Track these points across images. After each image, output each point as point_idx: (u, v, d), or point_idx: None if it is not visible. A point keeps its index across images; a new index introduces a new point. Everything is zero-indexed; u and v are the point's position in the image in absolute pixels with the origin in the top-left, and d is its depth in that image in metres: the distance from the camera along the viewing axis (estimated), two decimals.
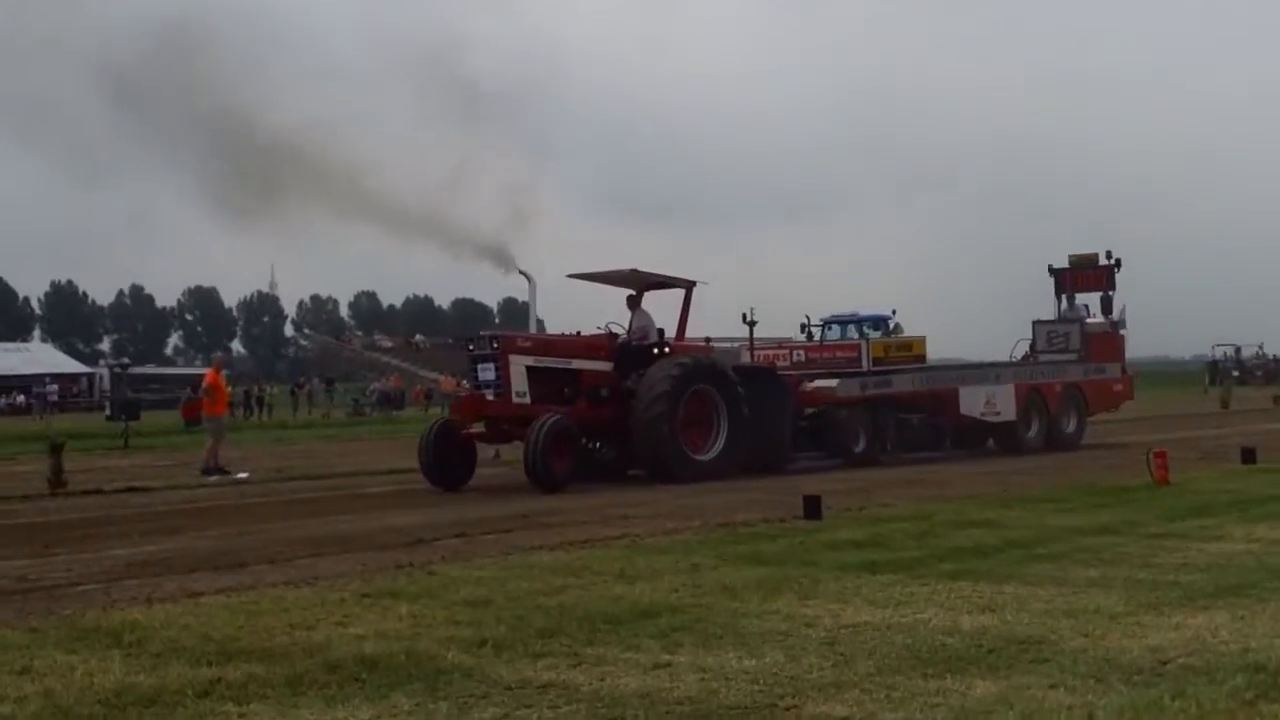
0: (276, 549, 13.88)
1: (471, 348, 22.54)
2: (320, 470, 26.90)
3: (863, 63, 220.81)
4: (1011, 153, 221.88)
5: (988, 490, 18.90)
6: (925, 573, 11.07)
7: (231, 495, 21.51)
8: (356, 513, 17.97)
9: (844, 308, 34.77)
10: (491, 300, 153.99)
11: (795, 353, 28.57)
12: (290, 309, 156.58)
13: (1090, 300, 32.29)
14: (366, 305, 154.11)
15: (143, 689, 7.44)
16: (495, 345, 21.96)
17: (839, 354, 28.31)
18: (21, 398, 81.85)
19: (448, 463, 21.78)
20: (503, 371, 21.62)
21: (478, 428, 22.31)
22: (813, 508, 15.19)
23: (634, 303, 24.11)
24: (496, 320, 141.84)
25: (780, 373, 25.80)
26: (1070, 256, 32.53)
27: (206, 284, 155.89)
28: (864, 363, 27.21)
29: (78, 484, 22.76)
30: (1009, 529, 14.11)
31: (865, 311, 34.95)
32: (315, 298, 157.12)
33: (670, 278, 24.36)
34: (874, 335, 31.50)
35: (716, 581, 10.73)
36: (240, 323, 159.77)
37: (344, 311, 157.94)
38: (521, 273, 24.74)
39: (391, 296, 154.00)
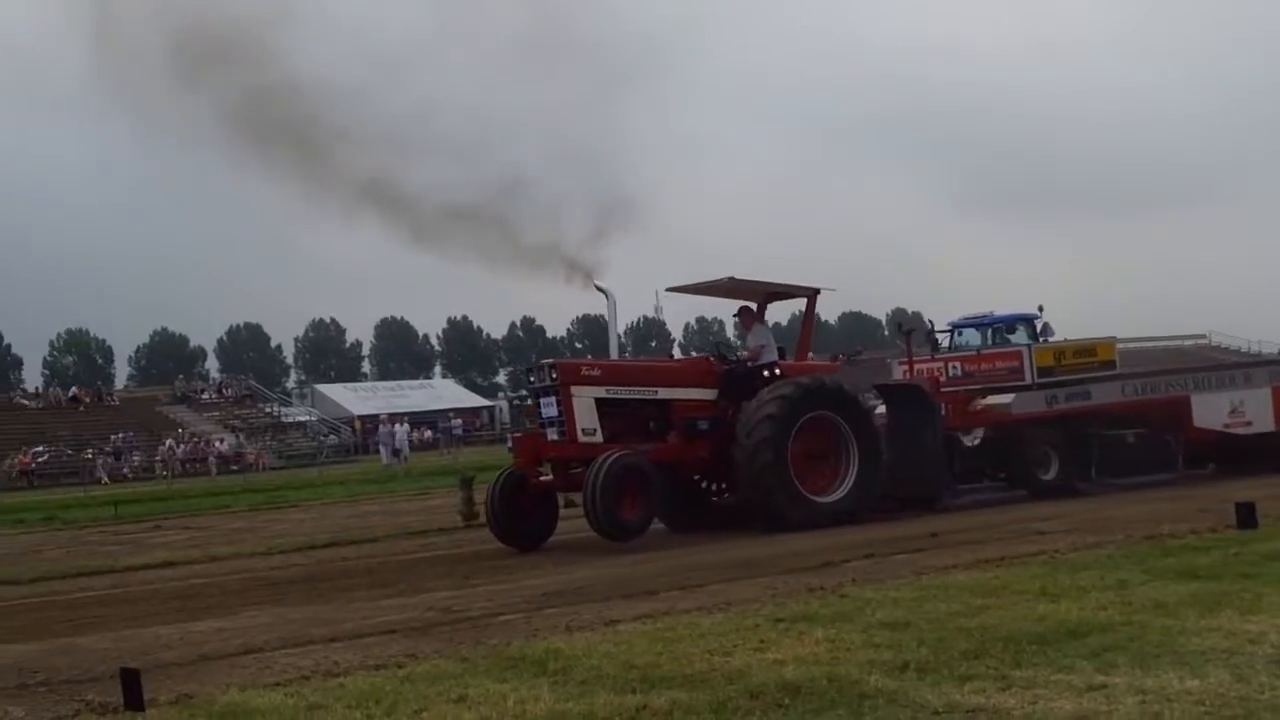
0: (685, 575, 13.98)
1: (532, 380, 19.57)
2: None
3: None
4: None
5: None
6: None
7: None
8: (756, 537, 17.96)
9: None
10: (880, 312, 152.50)
11: (951, 365, 23.98)
12: (676, 332, 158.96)
13: None
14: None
15: (572, 716, 7.54)
16: (555, 375, 18.81)
17: (999, 364, 23.45)
18: (429, 432, 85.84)
19: (521, 516, 18.74)
20: (564, 405, 18.53)
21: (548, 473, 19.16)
22: (1247, 516, 14.26)
23: (749, 317, 20.83)
24: (882, 333, 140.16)
25: (943, 390, 22.30)
26: None
27: (594, 312, 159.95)
28: (1027, 374, 22.61)
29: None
30: None
31: (1002, 311, 30.08)
32: (700, 319, 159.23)
33: (785, 285, 21.14)
34: (1017, 340, 26.97)
35: (1147, 598, 10.19)
36: (629, 349, 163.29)
37: (730, 333, 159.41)
38: (599, 288, 20.92)
39: (776, 315, 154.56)
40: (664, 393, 19.39)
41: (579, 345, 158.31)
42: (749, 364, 19.86)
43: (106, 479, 61.83)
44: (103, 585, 17.23)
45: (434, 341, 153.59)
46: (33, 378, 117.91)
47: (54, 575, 18.78)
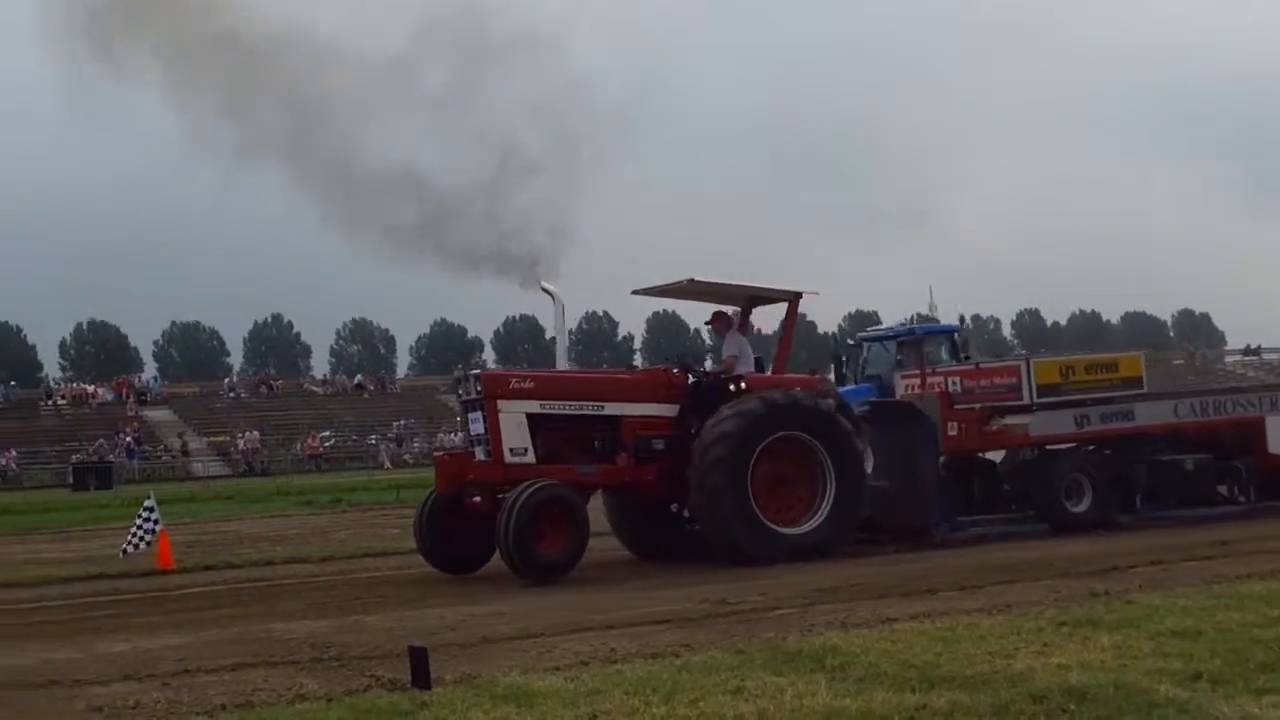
0: (964, 575, 13.78)
1: (460, 393, 17.56)
2: None
3: None
4: None
5: None
6: None
7: None
8: (1040, 538, 17.59)
9: None
10: (1165, 313, 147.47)
11: (951, 380, 21.00)
12: None
13: None
14: (1030, 323, 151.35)
15: (850, 713, 7.48)
16: (480, 388, 16.82)
17: (997, 380, 20.41)
18: None
19: (453, 540, 16.75)
20: (490, 421, 16.51)
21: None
22: None
23: (722, 324, 18.46)
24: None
25: (955, 408, 19.50)
26: None
27: (867, 308, 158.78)
28: (1025, 392, 19.54)
29: None
30: None
31: (911, 324, 27.79)
32: (976, 317, 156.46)
33: (757, 287, 18.49)
34: (933, 356, 24.53)
35: None
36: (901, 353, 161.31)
37: (1006, 331, 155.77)
38: (544, 289, 18.78)
39: (1056, 313, 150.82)
40: (612, 408, 17.13)
41: (850, 341, 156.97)
42: (721, 376, 17.57)
43: (389, 464, 64.02)
44: (388, 566, 17.81)
45: (705, 335, 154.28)
46: (320, 365, 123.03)
47: (341, 555, 19.53)
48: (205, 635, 12.18)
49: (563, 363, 20.14)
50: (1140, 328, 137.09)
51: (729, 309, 18.71)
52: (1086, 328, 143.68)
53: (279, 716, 8.15)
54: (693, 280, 17.70)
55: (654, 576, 15.27)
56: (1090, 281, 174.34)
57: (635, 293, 19.44)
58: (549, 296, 18.97)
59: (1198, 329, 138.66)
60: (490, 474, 16.37)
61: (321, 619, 12.93)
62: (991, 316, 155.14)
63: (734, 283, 18.35)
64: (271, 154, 18.78)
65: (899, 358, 26.47)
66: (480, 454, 16.67)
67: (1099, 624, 9.93)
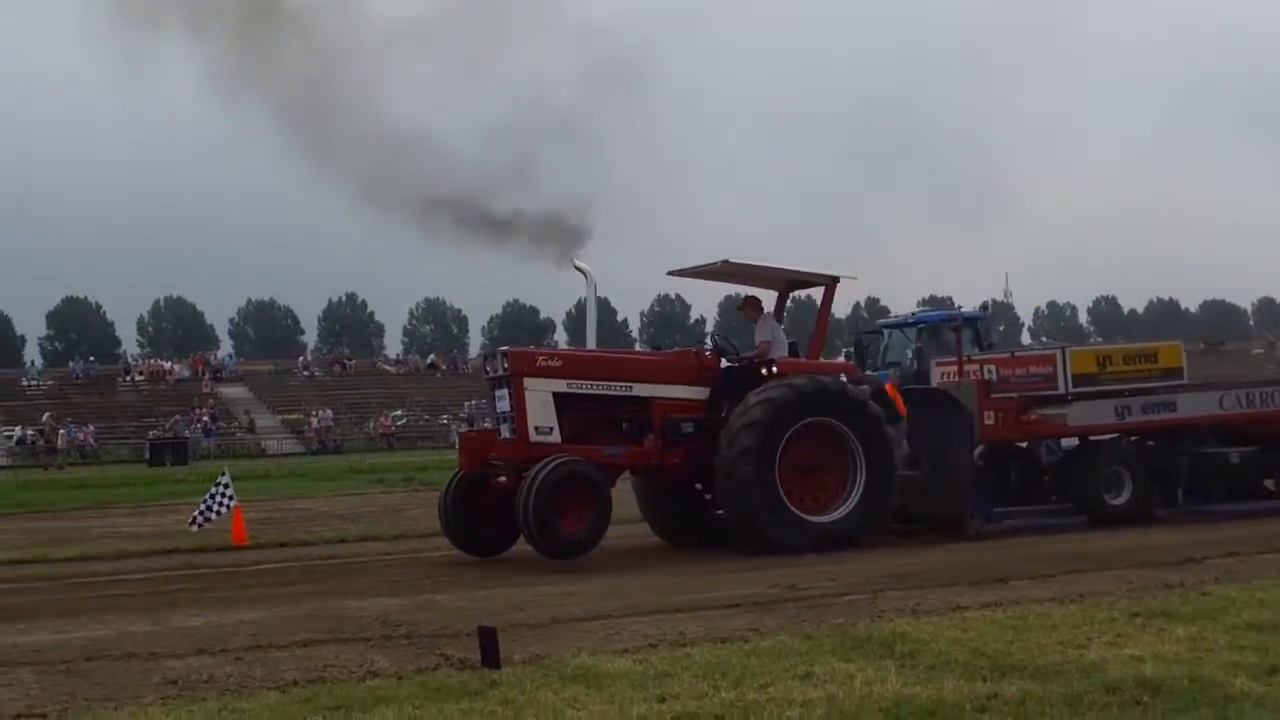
0: (1035, 564, 13.69)
1: (488, 370, 17.22)
2: None
3: None
4: None
5: None
6: None
7: None
8: (1112, 530, 17.44)
9: None
10: (1245, 300, 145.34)
11: (987, 369, 20.08)
12: (1026, 317, 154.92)
13: None
14: (1105, 311, 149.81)
15: (920, 701, 7.44)
16: (507, 365, 16.55)
17: (1033, 369, 19.64)
18: None
19: (478, 522, 16.66)
20: (516, 399, 16.32)
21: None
22: None
23: (754, 308, 18.01)
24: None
25: (993, 396, 18.85)
26: None
27: (940, 293, 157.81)
28: (1061, 382, 18.90)
29: None
30: None
31: (932, 311, 27.13)
32: (1051, 304, 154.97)
33: (793, 271, 18.10)
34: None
35: None
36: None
37: (1082, 318, 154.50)
38: (577, 267, 18.43)
39: (1133, 300, 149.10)
40: (641, 389, 16.80)
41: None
42: (754, 361, 17.20)
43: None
44: None
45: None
46: (393, 344, 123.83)
47: (413, 534, 19.60)
48: (278, 611, 12.33)
49: (592, 342, 19.66)
50: (1219, 315, 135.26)
51: (762, 293, 18.39)
52: (1164, 315, 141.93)
53: (350, 693, 8.21)
54: (727, 261, 17.32)
55: (722, 560, 15.24)
56: (1169, 269, 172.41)
57: (671, 273, 19.01)
58: (581, 273, 18.69)
59: (1278, 317, 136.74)
60: (515, 453, 16.16)
61: (393, 597, 13.05)
62: (1068, 303, 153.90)
63: (770, 265, 18.01)
64: (294, 121, 18.68)
65: (918, 345, 26.01)
66: (505, 432, 16.51)
67: (1173, 615, 9.83)
